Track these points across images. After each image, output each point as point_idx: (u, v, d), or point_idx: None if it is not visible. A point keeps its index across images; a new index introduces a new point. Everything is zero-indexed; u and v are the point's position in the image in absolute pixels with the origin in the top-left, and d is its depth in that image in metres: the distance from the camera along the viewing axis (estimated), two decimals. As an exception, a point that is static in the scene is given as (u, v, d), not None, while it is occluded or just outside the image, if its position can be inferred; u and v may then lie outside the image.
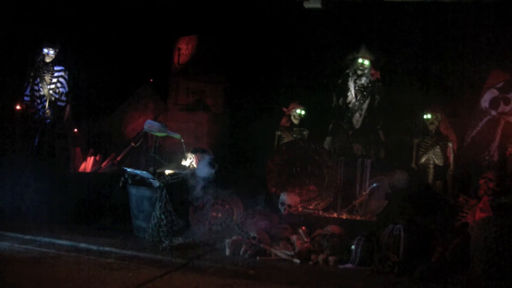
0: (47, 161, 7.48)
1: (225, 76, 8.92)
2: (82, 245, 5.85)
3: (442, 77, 7.74)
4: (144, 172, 6.39)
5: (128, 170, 6.59)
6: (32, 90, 7.64)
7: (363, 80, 7.31)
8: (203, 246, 6.00)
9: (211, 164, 6.61)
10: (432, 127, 7.13)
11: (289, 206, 6.35)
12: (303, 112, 7.75)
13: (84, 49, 8.10)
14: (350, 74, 7.34)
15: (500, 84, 7.12)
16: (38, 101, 7.64)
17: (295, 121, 7.77)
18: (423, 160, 7.18)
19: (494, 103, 7.10)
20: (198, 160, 7.12)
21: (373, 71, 7.27)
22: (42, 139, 7.57)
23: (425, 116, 7.11)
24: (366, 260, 5.37)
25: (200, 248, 5.92)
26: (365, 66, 7.22)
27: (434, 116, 7.06)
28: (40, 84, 7.63)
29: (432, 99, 7.48)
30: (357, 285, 4.92)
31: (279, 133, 7.81)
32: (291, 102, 7.84)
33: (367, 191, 6.51)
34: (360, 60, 7.23)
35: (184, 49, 9.12)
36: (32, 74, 7.62)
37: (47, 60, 7.66)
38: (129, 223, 6.61)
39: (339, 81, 7.49)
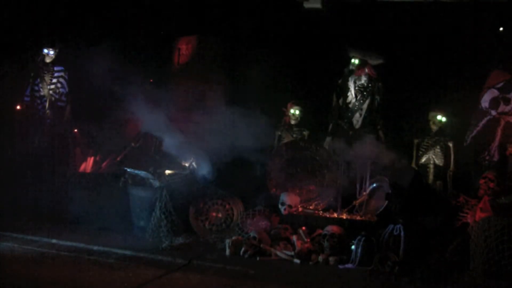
0: (47, 161, 7.48)
1: (226, 76, 8.92)
2: (82, 245, 5.85)
3: (442, 77, 7.73)
4: (144, 172, 6.39)
5: (129, 170, 6.59)
6: (32, 90, 7.65)
7: (363, 80, 7.33)
8: (203, 246, 6.00)
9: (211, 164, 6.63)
10: (435, 127, 7.14)
11: (289, 206, 6.35)
12: (297, 112, 7.74)
13: (84, 49, 8.09)
14: (352, 74, 7.37)
15: (500, 84, 7.12)
16: (38, 101, 7.65)
17: (292, 121, 7.78)
18: (423, 160, 7.18)
19: (494, 103, 7.10)
20: (198, 160, 7.14)
21: (366, 70, 7.27)
22: (42, 139, 7.57)
23: (439, 118, 7.12)
24: (366, 260, 5.37)
25: (200, 248, 5.92)
26: (356, 64, 7.29)
27: (448, 119, 7.09)
28: (40, 85, 7.64)
29: (432, 99, 7.48)
30: (357, 285, 4.92)
31: (279, 133, 7.82)
32: (289, 102, 7.86)
33: (367, 191, 6.51)
34: (352, 60, 7.32)
35: (184, 49, 9.11)
36: (32, 74, 7.62)
37: (47, 60, 7.66)
38: (129, 223, 6.61)
39: (339, 81, 7.50)
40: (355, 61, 7.32)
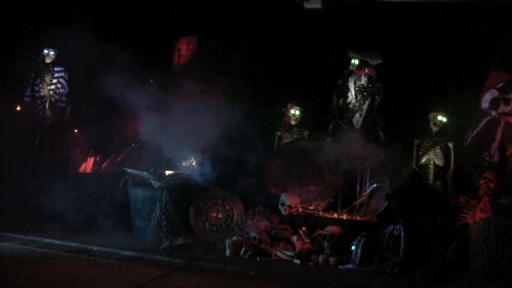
0: (47, 162, 7.48)
1: (225, 76, 8.92)
2: (83, 245, 5.86)
3: (442, 77, 7.73)
4: (144, 172, 6.39)
5: (129, 170, 6.59)
6: (33, 91, 7.65)
7: (363, 81, 7.33)
8: (203, 247, 6.01)
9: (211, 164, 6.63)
10: (435, 128, 7.14)
11: (289, 206, 6.35)
12: (297, 112, 7.73)
13: (84, 50, 8.09)
14: (347, 73, 7.39)
15: (500, 85, 7.12)
16: (39, 101, 7.65)
17: (292, 122, 7.77)
18: (423, 160, 7.18)
19: (494, 103, 7.10)
20: (199, 160, 7.13)
21: (366, 70, 7.27)
22: (42, 139, 7.57)
23: (439, 118, 7.11)
24: (366, 260, 5.37)
25: (200, 249, 5.92)
26: (356, 65, 7.29)
27: (448, 119, 7.09)
28: (40, 85, 7.64)
29: (432, 99, 7.48)
30: (358, 286, 4.92)
31: (279, 133, 7.81)
32: (289, 103, 7.85)
33: (367, 192, 6.51)
34: (352, 60, 7.31)
35: (184, 49, 9.11)
36: (32, 75, 7.63)
37: (48, 61, 7.67)
38: (130, 223, 6.61)
39: (339, 82, 7.50)
40: (355, 61, 7.32)
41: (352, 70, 7.36)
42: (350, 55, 7.35)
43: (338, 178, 6.70)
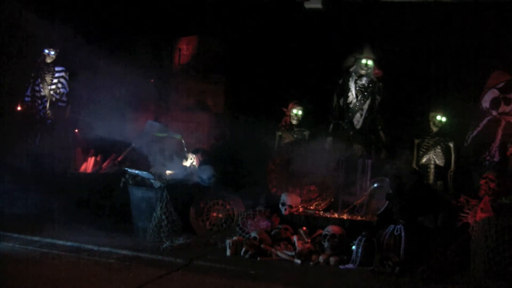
0: (48, 161, 7.48)
1: (226, 76, 8.93)
2: (83, 245, 5.85)
3: (442, 77, 7.74)
4: (145, 172, 6.39)
5: (129, 170, 6.59)
6: (33, 90, 7.66)
7: (364, 80, 7.33)
8: (203, 247, 6.00)
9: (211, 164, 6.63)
10: (435, 128, 7.14)
11: (290, 206, 6.35)
12: (300, 112, 7.74)
13: (85, 50, 8.10)
14: (353, 74, 7.36)
15: (501, 85, 7.13)
16: (39, 101, 7.66)
17: (293, 121, 7.77)
18: (424, 160, 7.18)
19: (494, 103, 7.11)
20: (199, 160, 7.14)
21: (376, 71, 7.29)
22: (42, 139, 7.57)
23: (438, 118, 7.10)
24: (367, 260, 5.37)
25: (201, 249, 5.92)
26: (369, 66, 7.26)
27: (449, 119, 7.08)
28: (41, 85, 7.65)
29: (432, 99, 7.49)
30: (358, 286, 4.92)
31: (280, 133, 7.82)
32: (290, 102, 7.85)
33: (368, 192, 6.51)
34: (363, 61, 7.27)
35: (185, 49, 9.13)
36: (33, 74, 7.63)
37: (48, 60, 7.68)
38: (130, 223, 6.61)
39: (340, 81, 7.50)
40: (367, 61, 7.26)
41: (355, 70, 7.34)
42: (366, 56, 7.25)
43: (338, 178, 6.70)
